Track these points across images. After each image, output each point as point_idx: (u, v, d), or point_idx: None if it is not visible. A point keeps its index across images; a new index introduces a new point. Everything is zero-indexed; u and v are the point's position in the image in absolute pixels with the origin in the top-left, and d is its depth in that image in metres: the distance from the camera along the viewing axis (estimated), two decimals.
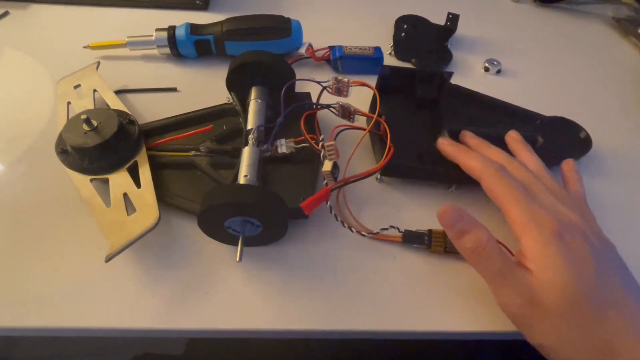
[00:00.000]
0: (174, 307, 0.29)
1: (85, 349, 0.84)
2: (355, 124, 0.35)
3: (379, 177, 0.36)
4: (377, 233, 0.32)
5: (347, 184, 0.31)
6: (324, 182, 0.31)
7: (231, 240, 0.30)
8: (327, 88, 0.34)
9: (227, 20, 0.43)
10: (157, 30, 0.43)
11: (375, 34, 0.50)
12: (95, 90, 0.38)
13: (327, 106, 0.34)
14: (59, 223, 0.32)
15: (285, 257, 0.31)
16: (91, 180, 0.31)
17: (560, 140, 0.38)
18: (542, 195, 0.29)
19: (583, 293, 0.24)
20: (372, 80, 0.36)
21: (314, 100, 0.36)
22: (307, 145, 0.33)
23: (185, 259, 0.31)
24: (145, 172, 0.32)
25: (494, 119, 0.39)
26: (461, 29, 0.48)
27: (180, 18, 0.45)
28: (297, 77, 0.37)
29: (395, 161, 0.32)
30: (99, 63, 0.41)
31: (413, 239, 0.32)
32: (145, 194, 0.31)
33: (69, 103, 0.37)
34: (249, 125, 0.34)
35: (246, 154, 0.32)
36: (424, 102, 0.38)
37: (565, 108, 0.40)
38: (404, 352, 0.46)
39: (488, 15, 0.56)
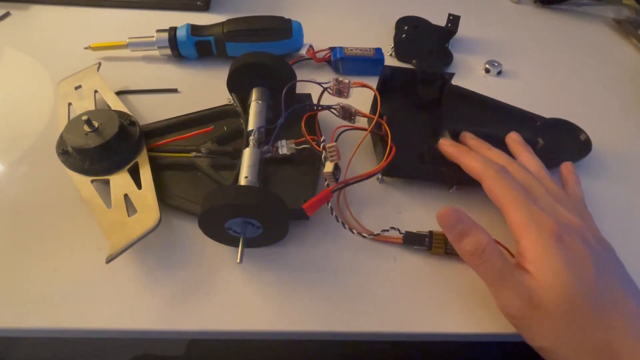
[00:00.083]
0: (175, 308, 0.29)
1: (84, 350, 0.84)
2: (356, 124, 0.35)
3: (380, 177, 0.36)
4: (378, 234, 0.32)
5: (348, 185, 0.31)
6: (325, 183, 0.31)
7: (232, 242, 0.30)
8: (328, 89, 0.34)
9: (228, 21, 0.43)
10: (158, 31, 0.43)
11: (376, 35, 0.50)
12: (96, 91, 0.38)
13: (328, 107, 0.34)
14: (59, 224, 0.32)
15: (285, 259, 0.31)
16: (92, 181, 0.31)
17: (560, 142, 0.38)
18: (541, 197, 0.29)
19: (582, 294, 0.24)
20: (373, 82, 0.36)
21: (315, 101, 0.36)
22: (308, 146, 0.33)
23: (185, 260, 0.31)
24: (146, 173, 0.32)
25: (494, 120, 0.39)
26: (462, 30, 0.48)
27: (181, 19, 0.45)
28: (298, 78, 0.37)
29: (397, 162, 0.32)
30: (100, 64, 0.41)
31: (414, 241, 0.32)
32: (146, 195, 0.31)
33: (69, 104, 0.37)
34: (250, 127, 0.34)
35: (247, 155, 0.32)
36: (424, 103, 0.38)
37: (565, 109, 0.40)
38: (405, 353, 0.46)
39: (489, 17, 0.56)
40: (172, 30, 0.43)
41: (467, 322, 0.29)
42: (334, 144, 0.30)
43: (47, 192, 0.33)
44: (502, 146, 0.35)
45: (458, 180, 0.35)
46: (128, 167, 0.32)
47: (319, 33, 0.47)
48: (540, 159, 0.34)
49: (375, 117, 0.34)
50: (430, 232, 0.32)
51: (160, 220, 0.29)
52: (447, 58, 0.48)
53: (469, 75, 0.47)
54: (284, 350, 0.49)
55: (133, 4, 0.50)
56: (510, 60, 0.48)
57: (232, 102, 0.38)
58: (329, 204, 0.31)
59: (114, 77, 0.41)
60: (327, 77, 0.37)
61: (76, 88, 0.39)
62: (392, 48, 0.48)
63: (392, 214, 0.34)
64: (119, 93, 0.40)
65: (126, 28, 0.47)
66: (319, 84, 0.34)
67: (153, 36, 0.43)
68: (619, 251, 0.28)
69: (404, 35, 0.49)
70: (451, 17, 0.48)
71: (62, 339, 0.83)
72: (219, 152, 0.34)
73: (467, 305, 0.30)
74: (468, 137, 0.36)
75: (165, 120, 0.37)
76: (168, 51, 0.43)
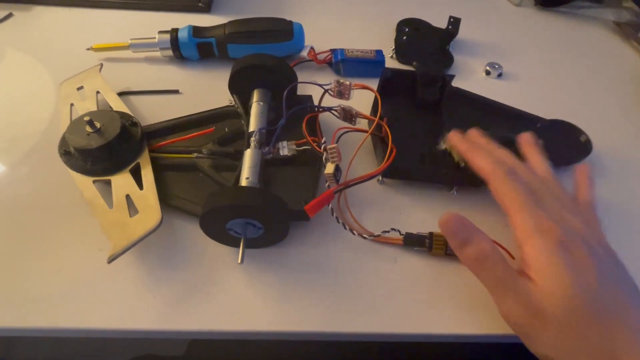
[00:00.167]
0: (176, 308, 0.29)
1: (85, 350, 0.84)
2: (357, 126, 0.35)
3: (380, 179, 0.36)
4: (379, 236, 0.32)
5: (350, 187, 0.31)
6: (326, 184, 0.32)
7: (233, 242, 0.30)
8: (329, 91, 0.34)
9: (230, 23, 0.43)
10: (160, 32, 0.43)
11: (376, 37, 0.50)
12: (98, 92, 0.38)
13: (329, 109, 0.34)
14: (61, 224, 0.32)
15: (286, 259, 0.31)
16: (94, 181, 0.32)
17: (560, 144, 0.38)
18: (548, 203, 0.28)
19: (586, 303, 0.23)
20: (374, 83, 0.37)
21: (316, 103, 0.36)
22: (309, 147, 0.33)
23: (186, 260, 0.31)
24: (147, 174, 0.32)
25: (494, 122, 0.40)
26: (462, 33, 0.48)
27: (182, 20, 0.46)
28: (299, 80, 0.37)
29: (397, 163, 0.32)
30: (102, 65, 0.42)
31: (414, 242, 0.32)
32: (148, 196, 0.31)
33: (72, 105, 0.37)
34: (251, 128, 0.34)
35: (248, 156, 0.32)
36: (425, 104, 0.39)
37: (565, 111, 0.40)
38: (405, 354, 0.46)
39: (489, 19, 0.56)
40: (174, 32, 0.43)
41: (467, 323, 0.29)
42: (335, 145, 0.31)
43: (48, 192, 0.34)
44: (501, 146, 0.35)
45: (458, 182, 0.35)
46: (130, 167, 0.32)
47: (320, 35, 0.47)
48: None
49: (376, 119, 0.34)
50: (431, 234, 0.32)
51: (161, 221, 0.29)
52: (448, 60, 0.48)
53: (470, 77, 0.47)
54: (284, 350, 0.49)
55: (135, 5, 0.51)
56: (510, 62, 0.48)
57: (233, 103, 0.38)
58: (330, 205, 0.31)
59: (116, 78, 0.41)
60: (328, 78, 0.37)
61: (78, 89, 0.39)
62: (393, 50, 0.49)
63: (393, 215, 0.34)
64: (120, 94, 0.40)
65: (128, 29, 0.47)
66: (320, 85, 0.34)
67: (155, 37, 0.43)
68: (620, 252, 0.28)
69: (404, 38, 0.49)
70: (452, 20, 0.48)
71: (62, 340, 0.83)
72: (220, 153, 0.34)
73: (467, 306, 0.30)
74: (475, 135, 0.34)
75: (167, 121, 0.37)
76: (170, 52, 0.44)
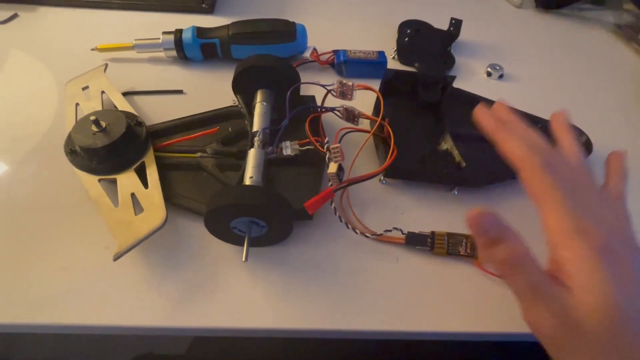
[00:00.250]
0: (180, 305, 0.29)
1: (85, 350, 0.84)
2: (359, 126, 0.35)
3: (382, 179, 0.37)
4: (381, 235, 0.32)
5: (351, 185, 0.31)
6: (329, 183, 0.32)
7: (236, 241, 0.31)
8: (332, 91, 0.35)
9: (233, 24, 0.44)
10: (164, 33, 0.44)
11: (379, 38, 0.51)
12: (103, 92, 0.39)
13: (332, 109, 0.35)
14: (67, 222, 0.32)
15: (289, 258, 0.32)
16: (99, 180, 0.32)
17: None
18: (585, 199, 0.25)
19: (630, 318, 0.21)
20: (375, 84, 0.37)
21: (318, 103, 0.36)
22: (312, 147, 0.34)
23: (190, 258, 0.31)
24: (152, 173, 0.32)
25: None
26: (464, 34, 0.49)
27: (186, 21, 0.46)
28: (302, 81, 0.37)
29: (399, 163, 0.33)
30: (106, 65, 0.42)
31: (416, 241, 0.32)
32: (153, 195, 0.31)
33: (77, 104, 0.38)
34: (255, 128, 0.35)
35: (252, 156, 0.32)
36: (426, 105, 0.39)
37: None
38: (406, 352, 0.46)
39: (491, 21, 0.56)
40: (178, 33, 0.44)
41: (468, 321, 0.29)
42: (338, 145, 0.31)
43: (54, 190, 0.34)
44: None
45: (459, 182, 0.36)
46: (135, 166, 0.33)
47: (323, 36, 0.47)
48: None
49: (379, 119, 0.34)
50: (432, 233, 0.32)
51: (166, 219, 0.30)
52: (449, 61, 0.48)
53: (471, 78, 0.47)
54: (285, 349, 0.49)
55: (139, 6, 0.51)
56: (511, 63, 0.49)
57: (237, 103, 0.38)
58: (332, 204, 0.31)
59: (120, 78, 0.42)
60: (331, 79, 0.37)
61: (83, 89, 0.39)
62: (394, 51, 0.49)
63: (395, 215, 0.35)
64: (125, 94, 0.40)
65: (132, 30, 0.48)
66: (323, 86, 0.34)
67: (159, 38, 0.44)
68: None
69: (406, 39, 0.49)
70: (453, 21, 0.48)
71: (62, 339, 0.84)
72: (224, 153, 0.35)
73: (468, 304, 0.30)
74: (504, 111, 0.30)
75: (171, 121, 0.37)
76: (174, 53, 0.44)
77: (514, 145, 0.26)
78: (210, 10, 0.52)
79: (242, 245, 0.29)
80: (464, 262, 0.32)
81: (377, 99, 0.37)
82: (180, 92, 0.43)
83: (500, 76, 0.48)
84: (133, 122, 0.35)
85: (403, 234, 0.32)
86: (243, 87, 0.38)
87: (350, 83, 0.34)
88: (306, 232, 0.33)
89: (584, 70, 0.50)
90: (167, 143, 0.35)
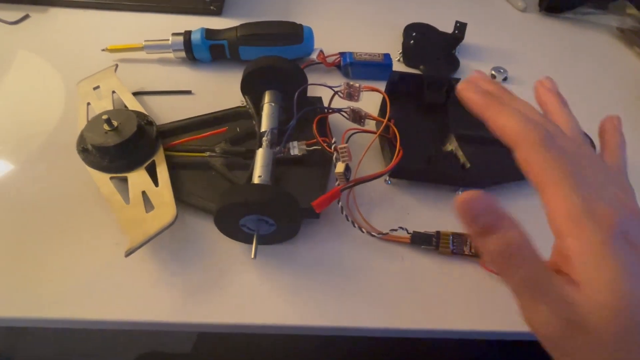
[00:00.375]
0: (190, 301, 0.30)
1: (89, 348, 0.84)
2: (365, 127, 0.36)
3: (387, 179, 0.37)
4: (387, 234, 0.33)
5: (357, 185, 0.32)
6: (336, 183, 0.32)
7: (245, 238, 0.31)
8: (339, 93, 0.35)
9: (242, 26, 0.44)
10: (173, 34, 0.44)
11: (384, 41, 0.51)
12: (113, 92, 0.39)
13: (339, 110, 0.35)
14: (78, 219, 0.33)
15: (297, 256, 0.32)
16: (111, 178, 0.33)
17: None
18: (592, 175, 0.21)
19: None
20: (381, 86, 0.37)
21: (325, 104, 0.37)
22: (319, 147, 0.34)
23: (200, 255, 0.32)
24: (162, 171, 0.33)
25: None
26: (469, 37, 0.49)
27: (194, 23, 0.47)
28: (309, 82, 0.38)
29: (404, 164, 0.33)
30: (117, 65, 0.43)
31: (421, 240, 0.33)
32: (163, 193, 0.32)
33: (88, 104, 0.38)
34: (263, 128, 0.35)
35: (260, 155, 0.33)
36: (431, 107, 0.39)
37: None
38: (411, 350, 0.46)
39: (495, 24, 0.57)
40: (187, 34, 0.44)
41: (472, 320, 0.30)
42: (345, 145, 0.31)
43: (66, 188, 0.35)
44: (506, 149, 0.34)
45: (463, 182, 0.36)
46: (145, 165, 0.33)
47: (329, 38, 0.48)
48: None
49: (385, 120, 0.35)
50: (438, 232, 0.33)
51: (176, 217, 0.30)
52: (454, 64, 0.49)
53: None
54: (290, 346, 0.50)
55: (149, 7, 0.52)
56: (515, 67, 0.49)
57: (245, 104, 0.39)
58: (340, 203, 0.32)
59: (130, 78, 0.43)
60: (337, 81, 0.38)
61: (94, 88, 0.40)
62: (400, 54, 0.50)
63: (400, 215, 0.35)
64: (135, 94, 0.41)
65: (142, 31, 0.48)
66: (331, 87, 0.35)
67: (168, 39, 0.44)
68: None
69: (411, 42, 0.50)
70: (458, 24, 0.49)
71: (66, 337, 0.84)
72: (232, 152, 0.35)
73: (472, 303, 0.31)
74: (486, 81, 0.26)
75: (181, 120, 0.38)
76: (182, 54, 0.45)
77: (509, 119, 0.22)
78: (218, 12, 0.53)
79: (251, 243, 0.30)
80: (468, 261, 0.32)
81: (383, 101, 0.38)
82: (188, 92, 0.43)
83: (504, 79, 0.48)
84: (144, 122, 0.35)
85: (408, 233, 0.33)
86: (251, 88, 0.38)
87: (357, 85, 0.35)
88: (313, 231, 0.33)
89: (587, 74, 0.51)
90: (176, 142, 0.36)
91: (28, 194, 0.34)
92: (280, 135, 0.35)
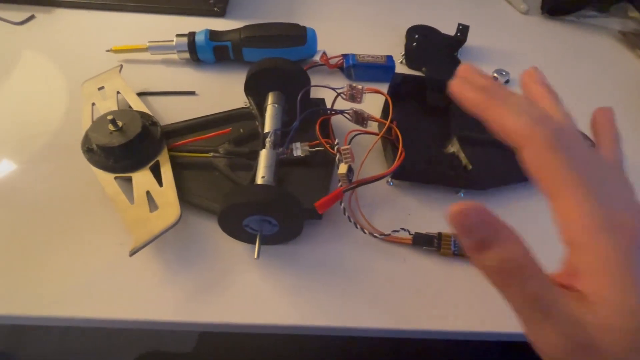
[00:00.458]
0: (193, 301, 0.30)
1: (91, 347, 0.85)
2: (368, 129, 0.36)
3: (389, 180, 0.37)
4: (388, 235, 0.33)
5: (359, 186, 0.32)
6: (339, 184, 0.33)
7: (248, 239, 0.32)
8: (342, 94, 0.35)
9: (245, 27, 0.45)
10: (178, 35, 0.45)
11: (387, 43, 0.52)
12: (118, 92, 0.40)
13: (342, 112, 0.36)
14: (82, 218, 0.33)
15: (299, 256, 0.32)
16: (115, 178, 0.33)
17: None
18: (604, 180, 0.19)
19: None
20: (384, 88, 0.38)
21: (328, 106, 0.37)
22: (321, 149, 0.35)
23: (203, 255, 0.32)
24: (167, 172, 0.33)
25: None
26: (471, 40, 0.50)
27: (197, 24, 0.47)
28: (312, 84, 0.38)
29: (406, 165, 0.34)
30: (121, 66, 0.43)
31: (423, 242, 0.33)
32: (167, 193, 0.32)
33: (93, 104, 0.39)
34: (266, 129, 0.35)
35: (263, 156, 0.33)
36: (434, 109, 0.40)
37: None
38: (413, 350, 0.47)
39: (497, 27, 0.57)
40: (191, 35, 0.45)
41: (473, 321, 0.30)
42: (348, 146, 0.32)
43: (71, 188, 0.35)
44: (508, 151, 0.34)
45: (465, 184, 0.36)
46: (150, 165, 0.34)
47: (332, 40, 0.48)
48: None
49: (387, 122, 0.35)
50: (439, 234, 0.33)
51: (180, 217, 0.30)
52: (457, 66, 0.49)
53: None
54: (289, 348, 0.50)
55: (153, 9, 0.52)
56: (517, 69, 0.49)
57: (248, 105, 0.39)
58: (342, 204, 0.32)
59: (135, 79, 0.43)
60: (339, 82, 0.38)
61: (99, 89, 0.40)
62: (402, 56, 0.50)
63: (402, 216, 0.35)
64: (139, 94, 0.41)
65: (146, 32, 0.49)
66: (334, 89, 0.35)
67: (173, 40, 0.45)
68: None
69: (414, 44, 0.50)
70: (460, 27, 0.49)
71: (68, 336, 0.85)
72: (235, 153, 0.36)
73: (473, 304, 0.31)
74: (473, 74, 0.24)
75: (185, 121, 0.38)
76: (187, 55, 0.45)
77: (512, 118, 0.20)
78: (222, 13, 0.53)
79: (253, 243, 0.30)
80: (470, 263, 0.33)
81: (386, 102, 0.38)
82: (192, 93, 0.44)
83: (507, 81, 0.48)
84: (148, 122, 0.35)
85: (410, 234, 0.33)
86: (255, 89, 0.39)
87: (360, 86, 0.35)
88: (316, 232, 0.34)
89: (589, 76, 0.51)
90: (180, 143, 0.36)
91: (32, 193, 0.35)
92: (284, 137, 0.35)
